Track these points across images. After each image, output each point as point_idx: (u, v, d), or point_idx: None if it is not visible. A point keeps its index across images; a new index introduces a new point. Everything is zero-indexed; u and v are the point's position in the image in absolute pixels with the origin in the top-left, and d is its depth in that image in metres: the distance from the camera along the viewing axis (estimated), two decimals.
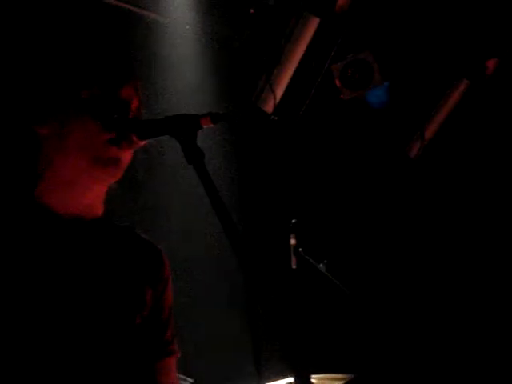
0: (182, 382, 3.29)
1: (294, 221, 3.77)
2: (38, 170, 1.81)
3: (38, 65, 1.79)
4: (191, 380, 3.33)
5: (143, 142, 1.74)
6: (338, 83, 4.88)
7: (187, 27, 4.42)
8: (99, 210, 1.87)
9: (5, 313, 1.66)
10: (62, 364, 1.70)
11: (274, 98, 5.06)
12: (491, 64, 5.06)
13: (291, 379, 3.23)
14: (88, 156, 1.75)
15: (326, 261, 3.87)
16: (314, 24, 4.74)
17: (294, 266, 3.78)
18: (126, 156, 1.78)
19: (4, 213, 1.78)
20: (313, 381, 3.50)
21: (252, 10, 4.66)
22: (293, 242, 3.78)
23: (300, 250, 3.77)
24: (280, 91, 5.07)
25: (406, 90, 5.20)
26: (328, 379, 3.63)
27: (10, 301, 1.67)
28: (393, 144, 5.49)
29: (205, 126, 1.65)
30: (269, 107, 5.14)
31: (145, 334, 1.90)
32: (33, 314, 1.68)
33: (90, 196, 1.83)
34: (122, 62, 1.81)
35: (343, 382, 3.52)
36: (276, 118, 4.86)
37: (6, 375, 1.65)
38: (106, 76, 1.77)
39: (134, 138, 1.72)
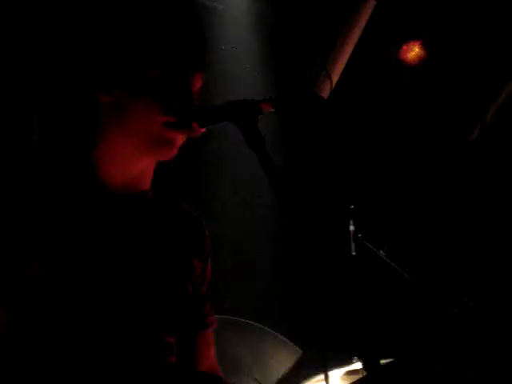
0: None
1: (352, 207, 3.73)
2: (91, 138, 1.80)
3: (117, 32, 1.76)
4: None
5: (203, 129, 1.73)
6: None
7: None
8: (147, 183, 1.87)
9: (58, 288, 1.67)
10: (116, 335, 1.72)
11: (331, 83, 5.02)
12: None
13: (357, 365, 3.19)
14: (144, 133, 1.74)
15: (386, 247, 3.82)
16: (370, 7, 4.68)
17: (353, 253, 3.74)
18: (182, 138, 1.77)
19: (56, 182, 1.77)
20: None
21: None
22: (352, 228, 3.74)
23: (359, 235, 3.73)
24: (336, 76, 5.02)
25: (467, 72, 5.10)
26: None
27: (63, 275, 1.67)
28: (453, 127, 5.40)
29: (266, 112, 1.64)
30: (325, 93, 5.10)
31: (189, 304, 1.93)
32: (85, 288, 1.69)
33: (139, 168, 1.82)
34: (198, 49, 1.79)
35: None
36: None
37: (63, 347, 1.67)
38: (182, 60, 1.75)
39: (195, 126, 1.71)
